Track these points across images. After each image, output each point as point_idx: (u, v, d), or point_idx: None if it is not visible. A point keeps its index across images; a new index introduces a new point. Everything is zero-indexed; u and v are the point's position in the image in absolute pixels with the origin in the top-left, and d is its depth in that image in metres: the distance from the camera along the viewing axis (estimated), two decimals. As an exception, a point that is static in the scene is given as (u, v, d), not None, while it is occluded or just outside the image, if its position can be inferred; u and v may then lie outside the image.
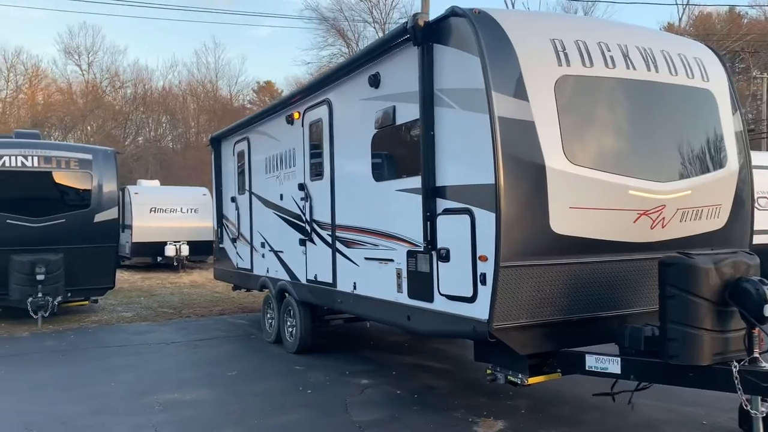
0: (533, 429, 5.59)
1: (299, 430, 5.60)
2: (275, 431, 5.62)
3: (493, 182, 4.77)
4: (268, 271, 9.61)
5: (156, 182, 27.25)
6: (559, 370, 5.36)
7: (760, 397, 4.49)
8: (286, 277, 8.87)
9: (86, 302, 12.98)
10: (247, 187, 10.38)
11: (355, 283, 6.96)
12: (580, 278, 5.14)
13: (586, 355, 5.18)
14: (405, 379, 7.30)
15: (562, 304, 5.10)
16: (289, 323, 8.90)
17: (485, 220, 4.88)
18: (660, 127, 5.41)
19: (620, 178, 5.08)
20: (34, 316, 11.13)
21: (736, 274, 4.64)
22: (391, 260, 6.18)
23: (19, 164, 11.66)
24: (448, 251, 5.30)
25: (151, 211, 22.67)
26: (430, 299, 5.56)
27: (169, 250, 22.28)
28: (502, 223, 4.75)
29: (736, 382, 4.45)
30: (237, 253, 11.03)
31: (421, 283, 5.68)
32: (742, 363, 4.53)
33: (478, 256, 4.97)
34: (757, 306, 4.44)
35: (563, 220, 4.95)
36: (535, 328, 5.06)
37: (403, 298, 5.99)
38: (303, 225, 8.23)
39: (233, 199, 11.08)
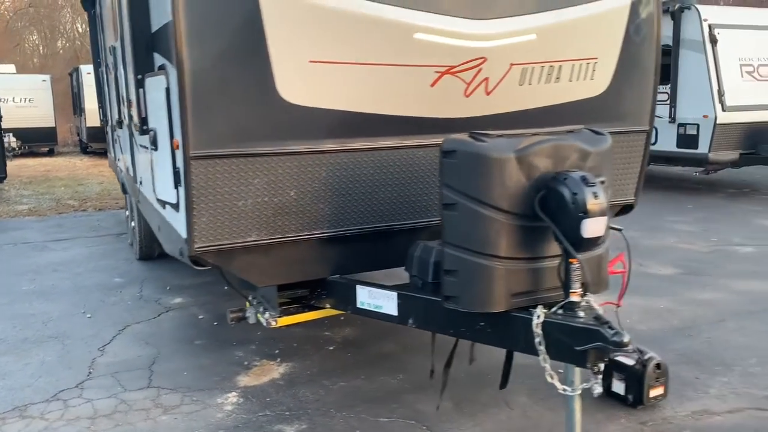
0: (317, 379, 4.04)
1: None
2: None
3: (171, 18, 2.91)
4: (117, 160, 7.95)
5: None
6: (328, 306, 3.72)
7: (578, 368, 2.80)
8: (123, 168, 7.21)
9: (-25, 194, 11.65)
10: (101, 56, 8.51)
11: (141, 178, 5.28)
12: (348, 173, 3.37)
13: (358, 287, 3.50)
14: (228, 300, 5.76)
15: (320, 213, 3.37)
16: (132, 224, 7.35)
17: (174, 81, 3.06)
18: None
19: (398, 12, 3.14)
20: None
21: (557, 168, 2.82)
22: (146, 147, 4.44)
23: None
24: (156, 134, 3.55)
25: (105, 93, 20.90)
26: (163, 205, 3.87)
27: (126, 136, 20.72)
28: (187, 85, 2.94)
29: (536, 340, 2.76)
30: (108, 135, 9.35)
31: (154, 181, 3.98)
32: (553, 310, 2.81)
33: (173, 141, 3.21)
34: (573, 220, 2.65)
35: (300, 83, 3.11)
36: (279, 248, 3.37)
37: (155, 201, 4.30)
38: (120, 100, 6.44)
39: (98, 72, 9.25)
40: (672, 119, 11.03)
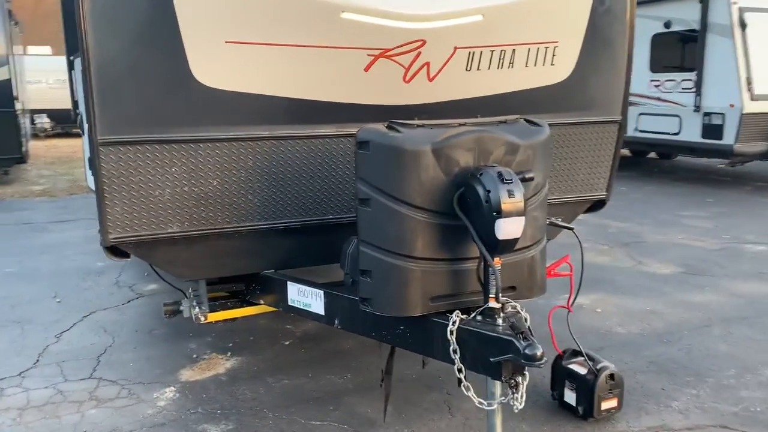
0: (262, 376, 3.89)
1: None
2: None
3: (77, -2, 2.75)
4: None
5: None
6: (262, 302, 3.55)
7: (498, 381, 2.57)
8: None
9: (-8, 173, 11.89)
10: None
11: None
12: (278, 162, 3.18)
13: (288, 284, 3.32)
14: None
15: (249, 205, 3.19)
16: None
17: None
18: None
19: (321, -10, 2.92)
20: None
21: (480, 162, 2.57)
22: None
23: None
24: (82, 118, 3.41)
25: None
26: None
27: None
28: (92, 67, 2.78)
29: (451, 348, 2.54)
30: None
31: (85, 168, 3.86)
32: (472, 316, 2.59)
33: (87, 126, 3.06)
34: (487, 220, 2.41)
35: (217, 65, 2.91)
36: (205, 241, 3.20)
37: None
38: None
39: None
40: (696, 108, 10.50)
